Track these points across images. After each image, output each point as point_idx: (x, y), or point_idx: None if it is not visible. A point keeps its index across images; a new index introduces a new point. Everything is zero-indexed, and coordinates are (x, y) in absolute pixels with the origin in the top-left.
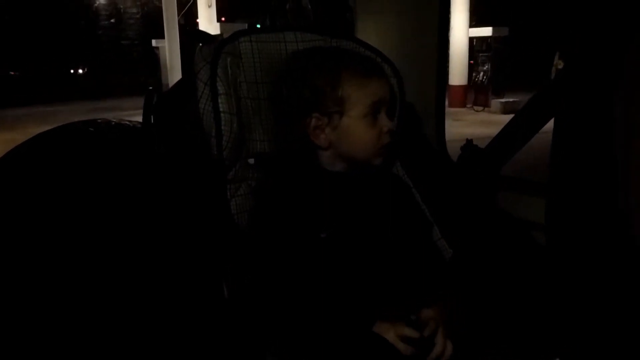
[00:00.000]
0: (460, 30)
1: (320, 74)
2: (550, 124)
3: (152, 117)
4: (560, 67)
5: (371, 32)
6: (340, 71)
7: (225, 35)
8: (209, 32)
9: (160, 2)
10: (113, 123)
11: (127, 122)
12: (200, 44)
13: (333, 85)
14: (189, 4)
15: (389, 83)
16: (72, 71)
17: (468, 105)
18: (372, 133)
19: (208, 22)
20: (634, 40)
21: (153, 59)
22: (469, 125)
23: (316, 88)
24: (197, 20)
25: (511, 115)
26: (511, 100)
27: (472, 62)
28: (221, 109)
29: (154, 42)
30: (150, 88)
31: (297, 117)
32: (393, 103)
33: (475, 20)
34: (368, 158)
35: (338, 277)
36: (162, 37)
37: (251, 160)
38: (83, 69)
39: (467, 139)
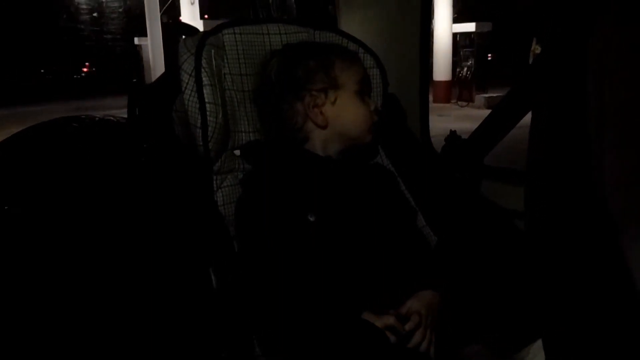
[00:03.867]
0: (444, 26)
1: (312, 57)
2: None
3: (137, 110)
4: (537, 52)
5: (354, 25)
6: (330, 55)
7: None
8: None
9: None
10: (97, 119)
11: (112, 118)
12: (184, 36)
13: (325, 66)
14: (170, 0)
15: (369, 73)
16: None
17: (452, 101)
18: (364, 108)
19: (191, 19)
20: (597, 28)
21: (135, 57)
22: (454, 121)
23: (308, 68)
24: (180, 18)
25: None
26: (495, 95)
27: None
28: (206, 100)
29: (136, 40)
30: (134, 80)
31: (292, 99)
32: (373, 91)
33: (458, 13)
34: (362, 134)
35: (327, 262)
36: (144, 34)
37: (237, 152)
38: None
39: (450, 130)
